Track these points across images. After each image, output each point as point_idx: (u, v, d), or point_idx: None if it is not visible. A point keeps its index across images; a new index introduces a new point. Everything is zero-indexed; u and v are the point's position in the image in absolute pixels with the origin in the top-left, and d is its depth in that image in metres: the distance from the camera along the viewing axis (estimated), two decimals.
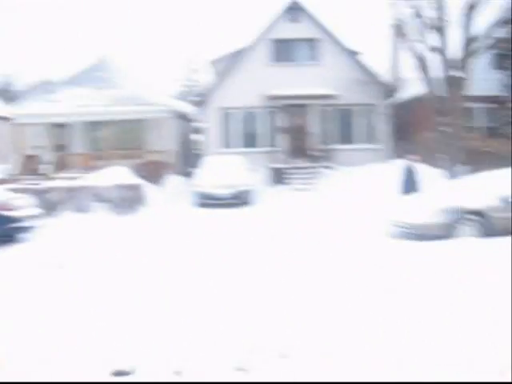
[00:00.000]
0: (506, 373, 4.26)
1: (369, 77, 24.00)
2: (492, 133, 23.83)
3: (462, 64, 17.78)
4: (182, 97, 50.57)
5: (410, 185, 14.17)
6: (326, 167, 22.93)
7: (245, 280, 7.58)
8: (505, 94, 22.87)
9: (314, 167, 22.77)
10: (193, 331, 5.48)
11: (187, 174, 25.60)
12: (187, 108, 30.54)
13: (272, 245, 10.71)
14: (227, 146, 24.59)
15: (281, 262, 8.78)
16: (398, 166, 20.94)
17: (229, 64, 24.61)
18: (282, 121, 24.56)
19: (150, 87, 24.85)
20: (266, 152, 23.77)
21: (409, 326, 5.42)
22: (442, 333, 5.22)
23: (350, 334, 5.28)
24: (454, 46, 17.95)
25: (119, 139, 23.68)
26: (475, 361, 4.57)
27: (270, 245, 10.71)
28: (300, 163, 23.26)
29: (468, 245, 9.75)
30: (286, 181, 22.27)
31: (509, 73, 22.72)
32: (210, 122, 24.70)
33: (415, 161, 15.03)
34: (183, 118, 28.02)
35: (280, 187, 22.16)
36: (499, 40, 20.33)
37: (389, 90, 24.88)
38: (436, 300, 6.23)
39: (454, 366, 4.50)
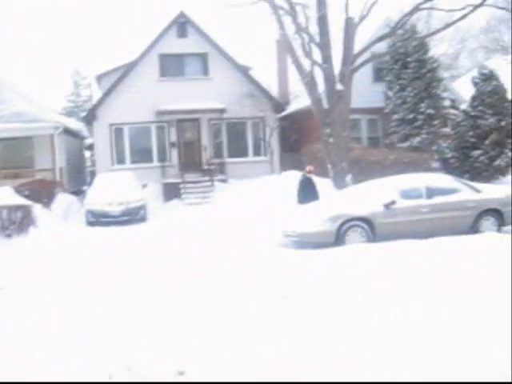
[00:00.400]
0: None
1: (259, 91, 24.50)
2: (375, 143, 25.12)
3: (344, 78, 18.59)
4: (72, 113, 49.21)
5: (307, 195, 14.33)
6: (220, 180, 23.12)
7: (137, 296, 7.48)
8: (385, 105, 24.19)
9: (207, 181, 22.89)
10: (87, 352, 5.35)
11: (79, 192, 24.88)
12: (77, 124, 29.67)
13: (163, 259, 10.64)
14: (119, 162, 24.16)
15: (172, 276, 8.73)
16: (289, 176, 21.59)
17: (117, 79, 24.21)
18: (174, 135, 24.50)
19: (36, 103, 23.92)
20: (159, 167, 23.62)
21: (302, 333, 5.58)
22: (334, 336, 5.43)
23: (244, 344, 5.37)
24: (337, 60, 18.75)
25: (4, 158, 22.55)
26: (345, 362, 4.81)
27: (161, 260, 10.63)
28: (193, 177, 23.28)
29: (355, 251, 10.17)
30: (180, 195, 22.22)
31: (389, 85, 24.07)
32: (100, 139, 24.17)
33: (312, 172, 15.42)
34: (73, 134, 27.20)
35: (174, 202, 22.07)
36: (379, 55, 21.51)
37: (278, 103, 25.51)
38: (323, 307, 6.45)
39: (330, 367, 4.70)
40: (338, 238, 11.46)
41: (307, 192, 14.42)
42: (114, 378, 4.85)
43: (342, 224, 11.54)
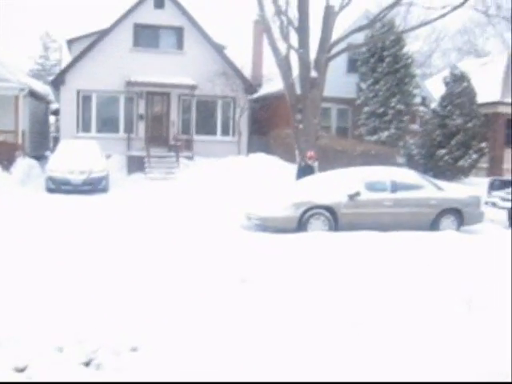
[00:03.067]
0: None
1: (232, 70, 24.27)
2: (343, 133, 25.23)
3: (320, 65, 18.53)
4: (39, 76, 47.99)
5: None
6: (186, 157, 22.89)
7: (93, 269, 7.31)
8: (357, 97, 24.28)
9: (172, 156, 22.63)
10: (37, 326, 5.20)
11: (40, 158, 24.36)
12: (44, 88, 28.95)
13: (119, 234, 10.39)
14: (84, 130, 23.67)
15: (128, 252, 8.51)
16: (256, 159, 21.58)
17: (89, 45, 23.63)
18: (142, 108, 24.11)
19: (2, 62, 23.15)
20: (125, 139, 23.22)
21: (259, 317, 5.55)
22: (290, 321, 5.41)
23: (201, 324, 5.31)
24: (314, 47, 18.66)
25: None
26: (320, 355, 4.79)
27: (116, 234, 10.38)
28: (159, 152, 22.99)
29: (316, 238, 10.16)
30: (144, 169, 21.91)
31: (362, 77, 24.13)
32: (66, 104, 23.59)
33: (312, 158, 15.25)
34: (39, 97, 26.51)
35: (137, 175, 21.77)
36: (356, 46, 21.49)
37: (251, 84, 25.33)
38: (280, 292, 6.42)
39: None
40: (300, 225, 11.47)
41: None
42: (64, 350, 4.74)
43: (306, 211, 11.55)
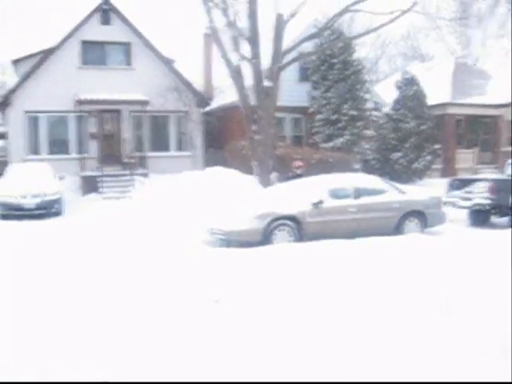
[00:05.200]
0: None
1: (183, 84, 24.00)
2: (298, 142, 25.24)
3: (273, 74, 18.46)
4: None
5: None
6: (141, 175, 22.45)
7: (40, 306, 6.87)
8: (310, 105, 24.33)
9: (127, 175, 22.15)
10: None
11: None
12: None
13: (82, 258, 9.92)
14: (35, 152, 22.97)
15: (93, 278, 8.09)
16: (213, 172, 21.25)
17: (35, 64, 22.98)
18: (93, 126, 23.56)
19: None
20: (78, 159, 22.62)
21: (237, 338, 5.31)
22: (272, 342, 5.18)
23: (177, 353, 5.02)
24: (266, 57, 18.59)
25: None
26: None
27: (79, 259, 9.90)
28: (113, 170, 22.49)
29: (284, 250, 9.95)
30: (99, 189, 21.37)
31: (314, 85, 24.22)
32: (14, 127, 22.83)
33: (301, 167, 14.93)
34: None
35: (92, 196, 21.23)
36: (307, 54, 21.55)
37: (203, 98, 25.10)
38: (257, 311, 6.18)
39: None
40: (265, 237, 11.23)
41: None
42: None
43: (270, 222, 11.32)
